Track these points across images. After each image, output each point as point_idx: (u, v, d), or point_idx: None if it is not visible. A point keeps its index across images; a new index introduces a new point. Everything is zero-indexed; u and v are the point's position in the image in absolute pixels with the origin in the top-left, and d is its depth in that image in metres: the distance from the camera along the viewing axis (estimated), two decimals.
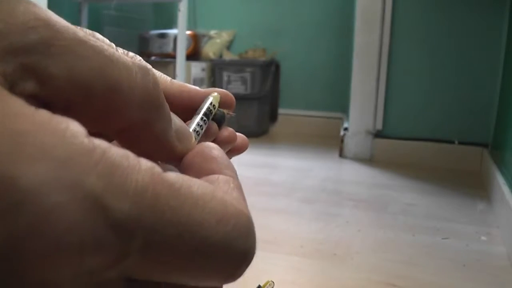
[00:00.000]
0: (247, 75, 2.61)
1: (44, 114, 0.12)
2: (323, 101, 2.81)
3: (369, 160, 2.00)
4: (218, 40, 2.94)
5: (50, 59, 0.13)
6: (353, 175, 1.81)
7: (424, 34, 1.92)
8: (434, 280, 0.92)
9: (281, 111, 2.82)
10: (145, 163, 0.13)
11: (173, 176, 0.13)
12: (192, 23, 2.95)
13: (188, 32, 2.64)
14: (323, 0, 2.76)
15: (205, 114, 0.22)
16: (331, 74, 2.79)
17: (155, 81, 0.16)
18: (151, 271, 0.13)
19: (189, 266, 0.13)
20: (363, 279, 0.92)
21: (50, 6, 1.47)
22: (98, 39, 0.16)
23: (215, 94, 0.24)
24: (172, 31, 2.64)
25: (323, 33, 2.78)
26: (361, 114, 2.02)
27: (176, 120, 0.18)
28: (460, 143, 1.90)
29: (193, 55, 2.78)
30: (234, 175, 0.17)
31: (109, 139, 0.15)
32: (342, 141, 2.07)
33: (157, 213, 0.12)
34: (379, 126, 2.00)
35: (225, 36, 2.96)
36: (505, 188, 1.28)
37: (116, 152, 0.12)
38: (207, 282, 0.14)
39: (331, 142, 2.34)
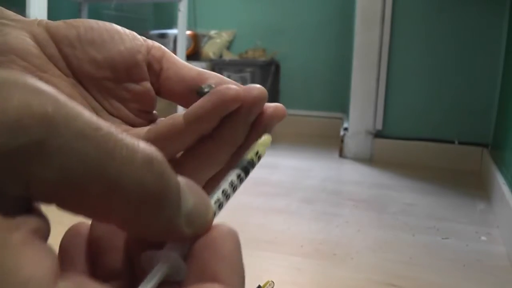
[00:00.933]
0: (247, 75, 2.61)
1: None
2: (323, 101, 2.81)
3: (369, 160, 2.00)
4: (218, 40, 2.94)
5: (41, 162, 0.12)
6: (353, 175, 1.81)
7: (424, 34, 1.92)
8: (434, 280, 0.92)
9: None
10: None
11: None
12: (192, 23, 2.95)
13: (188, 32, 2.65)
14: (323, 0, 2.76)
15: (244, 168, 0.19)
16: (331, 74, 2.79)
17: (159, 171, 0.14)
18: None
19: None
20: (363, 279, 0.92)
21: (50, 6, 1.47)
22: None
23: (265, 137, 0.21)
24: (172, 31, 2.64)
25: (323, 33, 2.78)
26: (361, 114, 2.01)
27: (190, 199, 0.16)
28: (460, 143, 1.90)
29: (193, 55, 2.79)
30: (237, 284, 0.15)
31: None
32: (342, 141, 2.07)
33: None
34: (379, 126, 2.00)
35: (225, 36, 2.96)
36: (505, 188, 1.28)
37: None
38: None
39: (331, 142, 2.34)
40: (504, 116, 1.61)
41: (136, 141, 0.14)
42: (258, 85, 0.24)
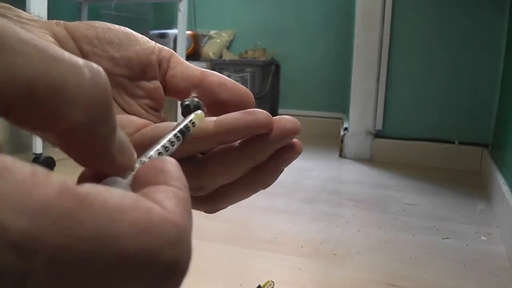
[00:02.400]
0: (247, 75, 2.61)
1: None
2: (323, 101, 2.81)
3: (369, 160, 2.00)
4: (218, 40, 2.94)
5: None
6: (353, 175, 1.81)
7: (424, 34, 1.92)
8: (434, 280, 0.92)
9: (281, 111, 2.82)
10: (56, 179, 0.12)
11: (87, 189, 0.12)
12: (192, 23, 2.95)
13: (188, 32, 2.65)
14: (323, 0, 2.76)
15: (181, 131, 0.23)
16: (331, 74, 2.79)
17: (105, 84, 0.15)
18: None
19: (109, 281, 0.12)
20: (363, 279, 0.92)
21: (50, 6, 1.47)
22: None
23: (199, 112, 0.24)
24: (172, 31, 2.64)
25: (323, 33, 2.78)
26: (361, 114, 2.02)
27: (121, 134, 0.17)
28: (460, 143, 1.90)
29: (193, 55, 2.79)
30: (181, 187, 0.16)
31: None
32: (342, 141, 2.07)
33: (62, 229, 0.11)
34: (379, 126, 2.01)
35: (225, 36, 2.96)
36: (505, 188, 1.28)
37: (20, 168, 0.11)
38: None
39: (331, 142, 2.34)
40: (504, 116, 1.61)
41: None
42: (292, 118, 0.26)
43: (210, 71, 0.29)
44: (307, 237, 1.13)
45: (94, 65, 0.15)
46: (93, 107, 0.14)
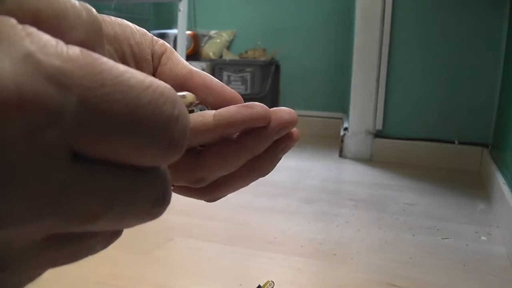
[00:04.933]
0: (247, 75, 2.61)
1: None
2: (323, 101, 2.81)
3: (369, 160, 2.00)
4: (218, 40, 2.94)
5: None
6: (353, 175, 1.81)
7: (424, 34, 1.92)
8: (434, 280, 0.92)
9: None
10: (73, 46, 0.14)
11: (99, 55, 0.14)
12: (192, 23, 2.95)
13: (188, 32, 2.65)
14: (323, 0, 2.76)
15: None
16: (331, 74, 2.79)
17: (97, 17, 0.17)
18: (91, 138, 0.13)
19: (126, 130, 0.14)
20: (363, 279, 0.92)
21: None
22: None
23: (185, 93, 0.25)
24: (172, 31, 2.64)
25: (323, 33, 2.78)
26: (361, 114, 2.02)
27: None
28: (460, 143, 1.90)
29: (193, 55, 2.79)
30: None
31: None
32: (342, 141, 2.07)
33: (87, 74, 0.13)
34: (379, 126, 2.01)
35: (225, 36, 2.96)
36: (505, 188, 1.28)
37: (44, 34, 0.13)
38: (149, 151, 0.14)
39: (331, 142, 2.34)
40: (504, 116, 1.61)
41: None
42: (289, 110, 0.27)
43: (198, 71, 0.29)
44: (307, 237, 1.13)
45: (87, 5, 0.17)
46: (90, 32, 0.17)
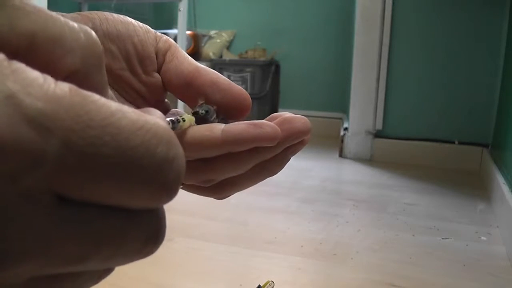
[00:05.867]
0: (247, 75, 2.61)
1: None
2: (323, 101, 2.81)
3: (369, 160, 2.00)
4: (218, 40, 2.94)
5: None
6: (353, 175, 1.81)
7: (424, 34, 1.92)
8: (434, 280, 0.92)
9: (281, 111, 2.80)
10: (63, 83, 0.13)
11: (90, 92, 0.14)
12: (192, 23, 2.95)
13: (188, 32, 2.65)
14: (323, 0, 2.76)
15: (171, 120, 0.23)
16: (331, 74, 2.79)
17: (97, 40, 0.16)
18: (76, 182, 0.13)
19: (115, 174, 0.13)
20: (363, 279, 0.92)
21: (50, 5, 1.47)
22: None
23: (190, 116, 0.25)
24: (172, 31, 2.64)
25: (323, 33, 2.78)
26: (361, 114, 2.02)
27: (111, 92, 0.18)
28: (460, 143, 1.90)
29: (193, 55, 2.78)
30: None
31: None
32: (342, 141, 2.07)
33: (73, 116, 0.13)
34: (379, 126, 2.00)
35: (225, 36, 2.97)
36: (505, 188, 1.28)
37: (31, 70, 0.13)
38: (140, 195, 0.14)
39: (331, 142, 2.34)
40: (504, 116, 1.61)
41: None
42: (304, 119, 0.26)
43: (205, 68, 0.28)
44: (307, 237, 1.13)
45: (86, 27, 0.16)
46: (88, 56, 0.16)
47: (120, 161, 0.13)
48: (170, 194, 0.15)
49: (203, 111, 0.26)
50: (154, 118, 0.15)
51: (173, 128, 0.23)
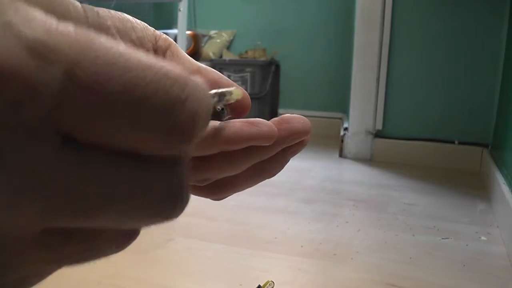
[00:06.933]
0: (247, 75, 2.61)
1: None
2: (323, 101, 2.81)
3: (369, 160, 2.00)
4: (218, 40, 2.94)
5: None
6: (353, 175, 1.81)
7: (424, 34, 1.92)
8: (434, 280, 0.92)
9: (281, 111, 2.82)
10: (67, 23, 0.13)
11: (98, 33, 0.13)
12: (192, 23, 2.95)
13: (188, 32, 2.65)
14: (323, 0, 2.76)
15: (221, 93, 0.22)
16: (331, 74, 2.79)
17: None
18: (81, 119, 0.12)
19: (122, 111, 0.12)
20: (363, 279, 0.92)
21: None
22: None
23: (232, 89, 0.24)
24: (172, 31, 2.64)
25: (323, 33, 2.78)
26: (361, 114, 2.02)
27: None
28: (460, 143, 1.90)
29: (193, 55, 2.78)
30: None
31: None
32: (342, 141, 2.07)
33: (78, 51, 0.12)
34: (379, 126, 2.01)
35: (225, 36, 2.97)
36: (505, 188, 1.28)
37: (33, 9, 0.12)
38: (149, 136, 0.13)
39: (331, 142, 2.34)
40: (504, 116, 1.61)
41: None
42: (303, 119, 0.25)
43: (206, 67, 0.28)
44: (307, 237, 1.13)
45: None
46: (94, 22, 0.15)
47: (127, 98, 0.12)
48: (182, 135, 0.14)
49: (220, 108, 0.25)
50: (166, 61, 0.14)
51: (220, 101, 0.22)
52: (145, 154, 0.14)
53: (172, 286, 0.88)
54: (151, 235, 1.09)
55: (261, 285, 0.56)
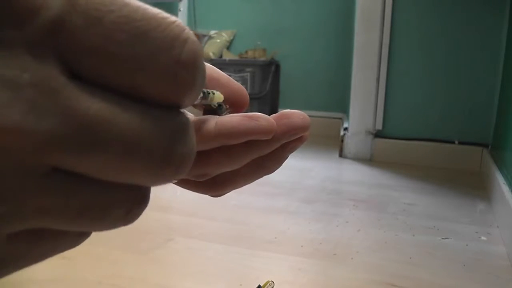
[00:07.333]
0: (247, 75, 2.61)
1: None
2: (323, 101, 2.81)
3: (369, 160, 2.00)
4: (218, 40, 2.94)
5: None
6: (353, 175, 1.81)
7: (424, 34, 1.92)
8: (434, 280, 0.92)
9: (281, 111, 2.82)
10: None
11: None
12: (192, 23, 2.95)
13: None
14: (323, 0, 2.76)
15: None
16: (331, 74, 2.79)
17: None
18: (83, 45, 0.12)
19: (122, 38, 0.12)
20: (363, 279, 0.92)
21: None
22: None
23: (214, 90, 0.24)
24: None
25: (323, 33, 2.78)
26: (361, 114, 2.01)
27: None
28: (460, 143, 1.90)
29: None
30: None
31: None
32: (342, 141, 2.07)
33: None
34: (379, 126, 2.00)
35: (225, 36, 2.96)
36: (505, 188, 1.28)
37: None
38: (151, 68, 0.13)
39: (331, 142, 2.34)
40: (504, 116, 1.61)
41: None
42: (303, 115, 0.25)
43: (205, 64, 0.28)
44: (307, 237, 1.13)
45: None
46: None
47: (129, 28, 0.13)
48: (187, 71, 0.13)
49: (216, 104, 0.25)
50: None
51: (203, 98, 0.22)
52: (148, 99, 0.13)
53: (172, 286, 0.88)
54: (151, 235, 1.09)
55: (261, 285, 0.56)
